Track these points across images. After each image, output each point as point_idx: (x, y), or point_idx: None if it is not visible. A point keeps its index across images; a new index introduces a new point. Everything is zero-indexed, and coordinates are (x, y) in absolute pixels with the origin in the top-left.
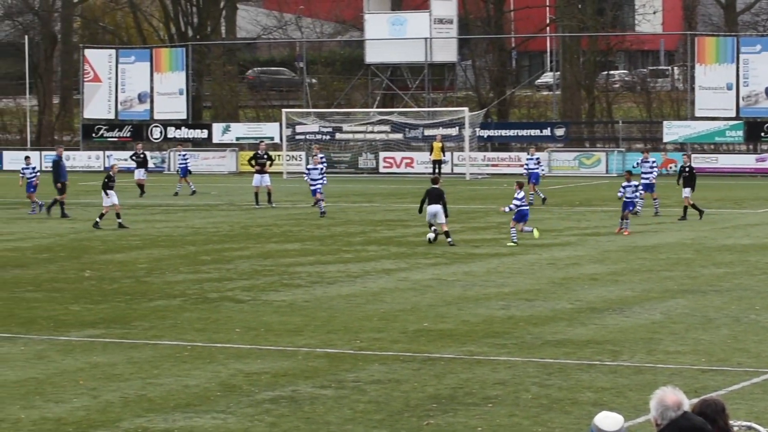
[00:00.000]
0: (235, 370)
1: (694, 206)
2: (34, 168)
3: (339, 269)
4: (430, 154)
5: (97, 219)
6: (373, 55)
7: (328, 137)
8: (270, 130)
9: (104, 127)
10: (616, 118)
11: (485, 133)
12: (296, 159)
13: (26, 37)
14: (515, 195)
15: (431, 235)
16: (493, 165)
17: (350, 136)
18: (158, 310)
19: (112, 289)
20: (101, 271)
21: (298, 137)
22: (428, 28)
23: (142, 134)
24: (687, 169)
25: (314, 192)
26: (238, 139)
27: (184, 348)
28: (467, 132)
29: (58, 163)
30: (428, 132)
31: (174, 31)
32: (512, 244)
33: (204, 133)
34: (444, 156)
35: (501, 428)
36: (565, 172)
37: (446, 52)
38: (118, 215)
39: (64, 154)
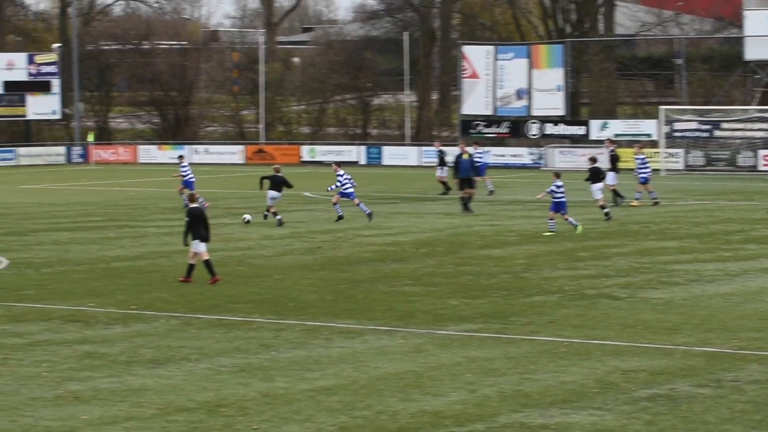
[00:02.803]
0: (612, 368)
1: None
2: (185, 165)
3: (717, 267)
4: None
5: (269, 214)
6: (752, 51)
7: (706, 134)
8: (647, 126)
9: (482, 123)
10: None
11: None
12: (674, 156)
13: (406, 33)
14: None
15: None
16: None
17: (728, 133)
18: (535, 305)
19: (490, 284)
20: (479, 266)
21: (675, 134)
22: None
23: (519, 130)
24: None
25: (351, 196)
26: (616, 135)
27: (560, 344)
28: None
29: (459, 158)
30: None
31: (552, 28)
32: (549, 233)
33: (582, 130)
34: None
35: None
36: None
37: None
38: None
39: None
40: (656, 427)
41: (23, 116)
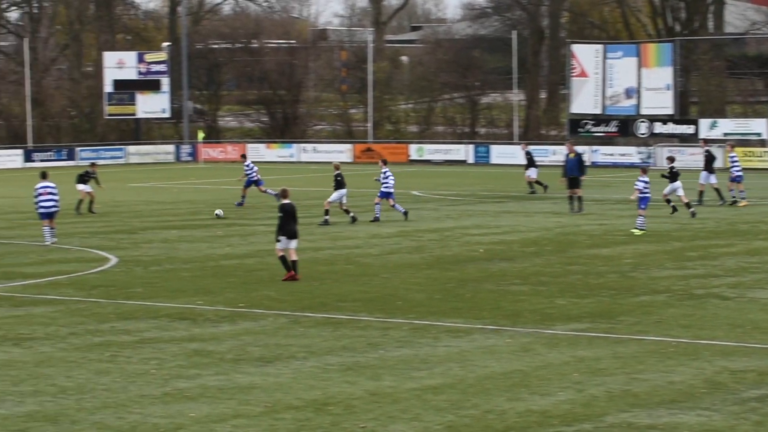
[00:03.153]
0: (721, 368)
1: None
2: (248, 164)
3: None
4: None
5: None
6: None
7: None
8: (757, 125)
9: (590, 122)
10: None
11: None
12: None
13: (514, 32)
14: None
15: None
16: None
17: None
18: (643, 305)
19: (598, 283)
20: (587, 265)
21: None
22: None
23: (628, 129)
24: None
25: (389, 195)
26: (725, 135)
27: (668, 344)
28: None
29: (567, 158)
30: None
31: (661, 26)
32: (640, 232)
33: (690, 129)
34: None
35: None
36: None
37: None
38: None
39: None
40: (765, 428)
41: (133, 115)
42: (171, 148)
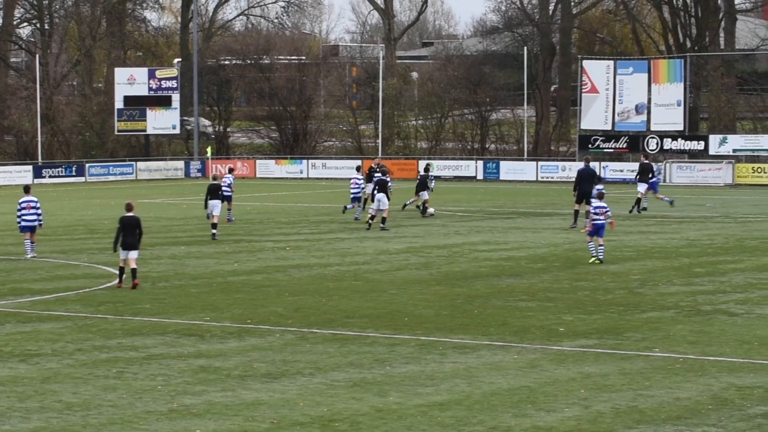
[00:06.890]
0: (727, 384)
1: None
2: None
3: None
4: None
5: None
6: None
7: None
8: (767, 141)
9: (600, 138)
10: None
11: None
12: None
13: (525, 48)
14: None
15: None
16: None
17: None
18: (651, 321)
19: (605, 300)
20: (595, 281)
21: None
22: None
23: (638, 145)
24: None
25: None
26: (734, 151)
27: (676, 360)
28: None
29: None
30: None
31: (672, 43)
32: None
33: (700, 145)
34: None
35: None
36: None
37: None
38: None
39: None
40: None
41: (143, 131)
42: (180, 164)
